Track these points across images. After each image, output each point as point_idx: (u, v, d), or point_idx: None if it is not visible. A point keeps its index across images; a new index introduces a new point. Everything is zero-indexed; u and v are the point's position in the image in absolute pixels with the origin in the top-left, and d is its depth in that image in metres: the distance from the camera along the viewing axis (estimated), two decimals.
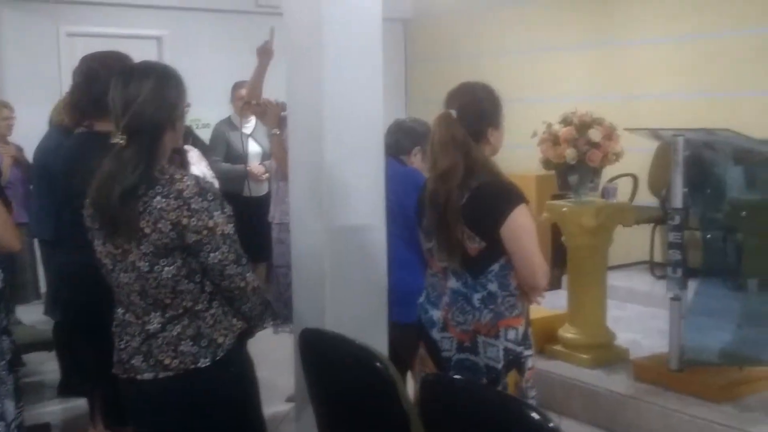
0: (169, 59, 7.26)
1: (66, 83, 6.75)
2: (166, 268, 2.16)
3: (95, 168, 2.25)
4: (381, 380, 2.16)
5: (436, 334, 2.62)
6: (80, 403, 4.38)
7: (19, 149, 5.63)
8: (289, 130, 3.16)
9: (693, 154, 3.99)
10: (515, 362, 2.55)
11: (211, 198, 2.17)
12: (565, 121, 4.38)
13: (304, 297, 3.02)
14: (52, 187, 4.27)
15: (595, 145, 4.27)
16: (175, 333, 2.20)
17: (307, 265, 3.00)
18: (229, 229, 2.20)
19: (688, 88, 6.27)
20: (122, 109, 2.17)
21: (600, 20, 6.99)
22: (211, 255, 2.17)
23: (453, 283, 2.59)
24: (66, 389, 4.62)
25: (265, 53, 4.39)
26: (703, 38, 6.18)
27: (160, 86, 2.20)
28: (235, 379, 2.29)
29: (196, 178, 2.21)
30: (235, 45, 7.22)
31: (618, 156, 4.36)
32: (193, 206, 2.13)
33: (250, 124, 5.93)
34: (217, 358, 2.22)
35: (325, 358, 2.44)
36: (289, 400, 4.14)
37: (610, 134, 4.32)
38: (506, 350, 2.53)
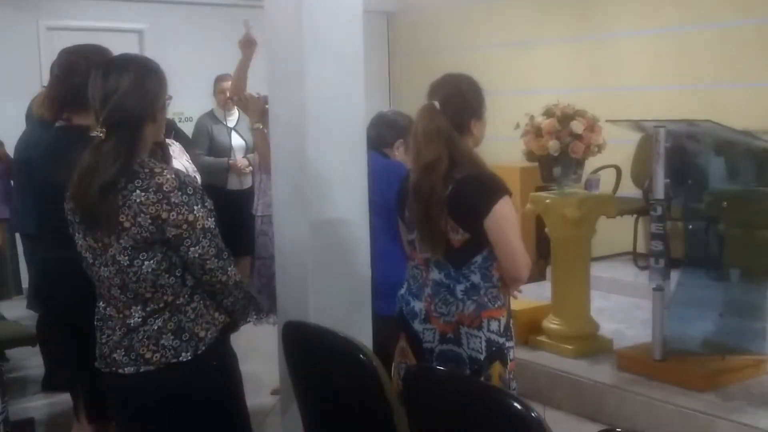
0: (151, 52, 7.19)
1: (46, 77, 6.70)
2: (146, 263, 2.15)
3: (74, 162, 2.24)
4: (364, 371, 2.16)
5: (418, 325, 2.62)
6: (64, 398, 4.34)
7: None
8: (270, 123, 3.15)
9: (675, 145, 4.01)
10: (498, 353, 2.55)
11: (191, 192, 2.15)
12: (548, 113, 4.40)
13: (288, 289, 3.02)
14: (33, 181, 4.24)
15: (577, 137, 4.29)
16: (156, 327, 2.19)
17: (290, 258, 2.99)
18: (210, 223, 2.19)
19: (669, 80, 6.30)
20: (101, 102, 2.15)
21: (581, 13, 7.01)
22: (192, 249, 2.16)
23: (435, 274, 2.59)
24: (50, 384, 4.60)
25: (247, 44, 4.36)
26: (683, 30, 6.21)
27: (140, 79, 2.18)
28: (218, 372, 2.28)
29: (177, 171, 2.19)
30: (217, 38, 7.19)
31: (600, 148, 4.39)
32: (172, 200, 2.12)
33: (233, 117, 5.92)
34: (199, 351, 2.21)
35: (308, 351, 2.44)
36: (274, 392, 4.14)
37: (592, 126, 4.34)
38: (489, 341, 2.53)
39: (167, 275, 2.18)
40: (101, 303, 2.31)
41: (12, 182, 5.27)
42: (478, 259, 2.53)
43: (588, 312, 4.62)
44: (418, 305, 2.63)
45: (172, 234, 2.14)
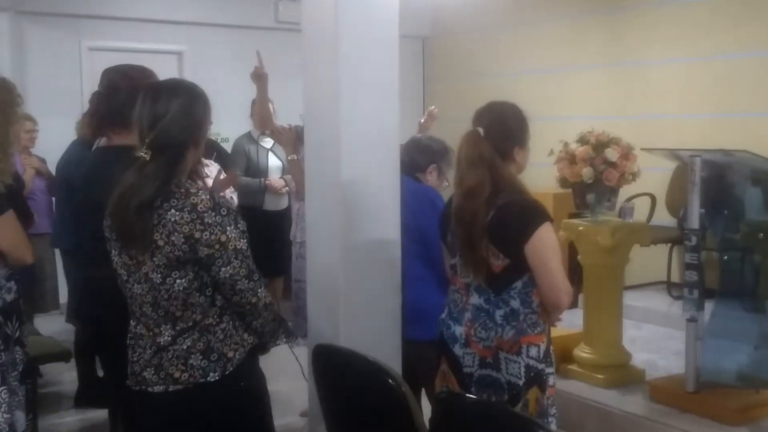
0: (189, 74, 7.33)
1: (87, 97, 6.82)
2: (178, 281, 2.19)
3: (115, 182, 2.29)
4: (393, 397, 2.17)
5: (458, 349, 2.63)
6: (97, 415, 4.40)
7: (42, 161, 5.70)
8: (305, 146, 3.18)
9: (710, 174, 3.97)
10: (537, 379, 2.56)
11: (224, 213, 2.19)
12: (582, 140, 4.38)
13: (319, 312, 3.03)
14: (72, 198, 4.33)
15: (611, 165, 4.26)
16: (185, 346, 2.22)
17: (322, 281, 3.01)
18: (242, 244, 2.22)
19: (705, 109, 6.25)
20: (149, 124, 2.21)
21: (617, 40, 6.99)
22: (223, 269, 2.20)
23: (475, 299, 2.60)
24: (82, 400, 4.65)
25: (257, 78, 4.37)
26: (720, 59, 6.16)
27: (189, 105, 2.24)
28: (245, 393, 2.30)
29: (211, 193, 2.23)
30: (255, 60, 7.26)
31: (635, 176, 4.35)
32: (206, 220, 2.16)
33: (270, 138, 5.98)
34: (227, 372, 2.23)
35: (337, 374, 2.45)
36: (303, 414, 4.14)
37: (626, 154, 4.31)
38: (528, 367, 2.54)
39: (198, 294, 2.22)
40: (133, 321, 2.34)
41: (53, 198, 5.38)
42: (518, 284, 2.54)
43: (620, 341, 4.57)
44: (459, 330, 2.63)
45: (205, 254, 2.17)
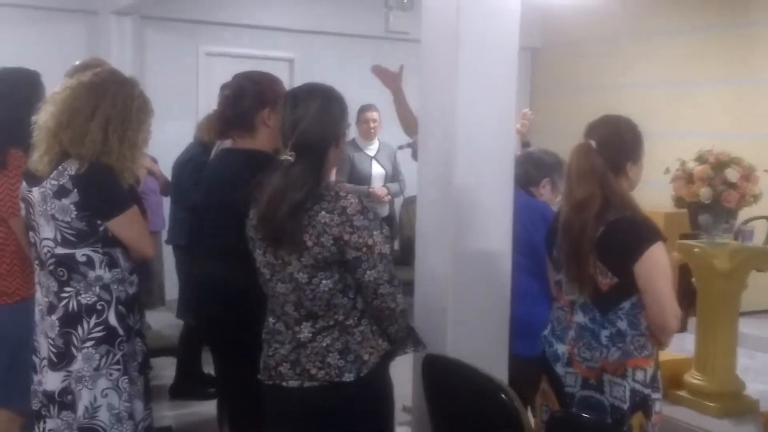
0: (300, 81, 7.41)
1: (203, 100, 7.01)
2: (324, 282, 2.23)
3: (236, 182, 2.34)
4: (505, 412, 2.14)
5: (560, 368, 2.56)
6: (200, 409, 4.51)
7: (154, 160, 5.88)
8: (419, 150, 3.17)
9: None
10: (642, 404, 2.47)
11: (371, 217, 2.25)
12: (700, 159, 4.23)
13: (426, 320, 3.00)
14: (185, 197, 4.47)
15: (731, 186, 4.10)
16: (324, 344, 2.26)
17: (430, 288, 2.99)
18: (386, 249, 2.27)
19: None
20: (291, 128, 2.28)
21: (740, 55, 6.75)
22: (368, 272, 2.23)
23: (580, 317, 2.53)
24: (177, 391, 4.78)
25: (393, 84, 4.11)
26: None
27: (326, 106, 2.32)
28: (376, 397, 2.33)
29: (359, 197, 2.29)
30: (364, 69, 7.30)
31: (756, 198, 4.18)
32: (355, 223, 2.21)
33: (374, 146, 6.02)
34: (362, 374, 2.26)
35: (447, 385, 2.43)
36: (405, 409, 4.04)
37: (748, 175, 4.14)
38: (633, 391, 2.45)
39: (341, 296, 2.26)
40: (271, 318, 2.39)
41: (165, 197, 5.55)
42: (626, 305, 2.45)
43: (734, 369, 4.39)
44: (561, 348, 2.57)
45: (352, 256, 2.22)
